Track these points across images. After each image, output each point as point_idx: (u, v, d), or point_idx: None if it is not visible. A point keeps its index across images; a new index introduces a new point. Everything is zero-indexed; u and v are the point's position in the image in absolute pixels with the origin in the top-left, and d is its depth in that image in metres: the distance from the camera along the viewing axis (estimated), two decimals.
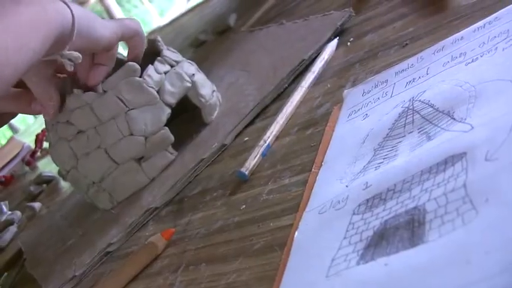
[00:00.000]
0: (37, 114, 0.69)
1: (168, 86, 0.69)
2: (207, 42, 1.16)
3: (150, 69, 0.69)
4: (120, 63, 0.74)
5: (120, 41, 0.67)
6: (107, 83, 0.68)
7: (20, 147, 1.63)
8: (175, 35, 1.50)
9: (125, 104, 0.68)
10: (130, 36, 0.68)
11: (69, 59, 0.59)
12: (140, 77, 0.68)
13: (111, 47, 0.66)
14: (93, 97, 0.67)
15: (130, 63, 0.68)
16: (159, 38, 0.75)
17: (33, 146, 1.54)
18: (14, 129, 3.59)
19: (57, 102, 0.67)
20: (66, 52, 0.58)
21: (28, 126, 2.32)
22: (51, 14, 0.55)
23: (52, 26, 0.55)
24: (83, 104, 0.68)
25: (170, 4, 5.24)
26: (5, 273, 0.83)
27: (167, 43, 0.77)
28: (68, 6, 0.58)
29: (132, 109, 0.68)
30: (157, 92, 0.69)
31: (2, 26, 0.50)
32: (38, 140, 1.51)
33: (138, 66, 0.68)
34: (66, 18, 0.57)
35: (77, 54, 0.59)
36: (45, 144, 1.45)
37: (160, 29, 1.92)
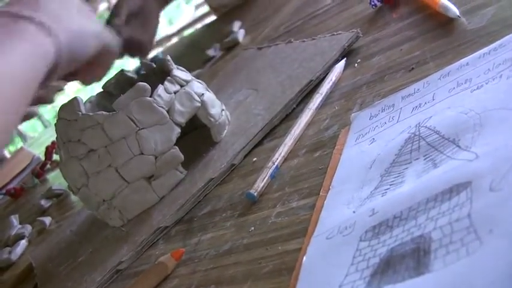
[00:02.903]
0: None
1: (177, 106, 0.70)
2: (215, 57, 1.17)
3: (160, 89, 0.70)
4: (130, 82, 0.75)
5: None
6: (118, 103, 0.69)
7: (29, 158, 1.64)
8: (185, 48, 1.51)
9: (135, 123, 0.69)
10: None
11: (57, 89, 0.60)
12: (150, 96, 0.69)
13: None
14: (104, 117, 0.69)
15: (140, 83, 0.69)
16: (169, 58, 0.76)
17: (42, 157, 1.55)
18: (23, 138, 3.61)
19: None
20: (54, 85, 0.59)
21: (38, 136, 2.33)
22: (35, 58, 0.55)
23: (41, 58, 0.56)
24: (94, 123, 0.69)
25: (179, 13, 5.27)
26: None
27: (176, 56, 0.78)
28: (57, 37, 0.57)
29: (142, 128, 0.69)
30: (167, 111, 0.70)
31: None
32: (48, 152, 1.52)
33: (148, 86, 0.69)
34: (49, 53, 0.57)
35: (63, 84, 0.60)
36: (55, 157, 1.46)
37: (168, 38, 1.93)
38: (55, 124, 0.75)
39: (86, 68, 0.67)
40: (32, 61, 0.54)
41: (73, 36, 0.61)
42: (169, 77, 0.72)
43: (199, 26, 1.78)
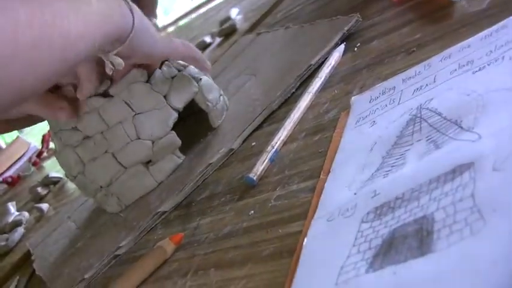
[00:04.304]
0: (61, 120, 0.70)
1: (175, 91, 0.70)
2: (212, 44, 1.17)
3: (158, 73, 0.70)
4: None
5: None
6: (115, 87, 0.68)
7: (26, 147, 1.64)
8: (180, 37, 1.51)
9: (132, 108, 0.68)
10: (177, 59, 0.69)
11: (111, 63, 0.60)
12: (147, 81, 0.69)
13: (153, 64, 0.68)
14: (101, 102, 0.68)
15: (137, 68, 0.69)
16: None
17: (39, 146, 1.54)
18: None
19: (92, 88, 0.68)
20: (113, 55, 0.59)
21: (34, 126, 2.32)
22: (116, 16, 0.57)
23: (114, 26, 0.57)
24: (91, 108, 0.68)
25: (174, 2, 5.24)
26: (17, 277, 0.83)
27: None
28: (132, 15, 0.59)
29: (139, 113, 0.68)
30: (164, 96, 0.69)
31: (73, 9, 0.51)
32: (45, 140, 1.52)
33: (145, 71, 0.69)
34: (127, 24, 0.59)
35: (120, 60, 0.60)
36: (52, 145, 1.46)
37: (164, 29, 1.92)
38: None
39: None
40: (113, 13, 0.57)
41: (142, 29, 0.61)
42: (166, 62, 0.71)
43: (194, 15, 1.77)
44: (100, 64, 0.66)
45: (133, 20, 0.59)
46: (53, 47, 0.49)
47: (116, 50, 0.59)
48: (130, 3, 0.60)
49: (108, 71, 0.61)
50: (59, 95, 0.68)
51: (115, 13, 0.57)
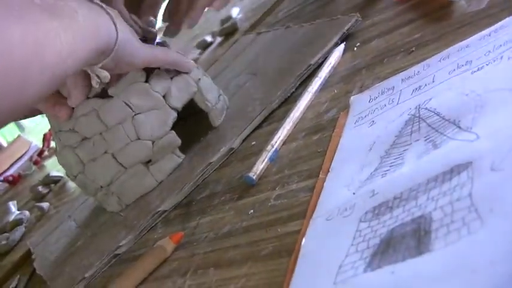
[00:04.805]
0: (60, 117, 0.70)
1: (174, 91, 0.70)
2: (213, 43, 1.17)
3: (157, 73, 0.70)
4: None
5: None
6: (114, 88, 0.68)
7: (27, 146, 1.64)
8: (180, 36, 1.51)
9: (131, 108, 0.68)
10: (157, 65, 0.70)
11: (97, 76, 0.61)
12: (146, 81, 0.69)
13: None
14: (99, 103, 0.68)
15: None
16: (167, 43, 0.75)
17: (40, 145, 1.55)
18: (20, 127, 3.61)
19: (82, 95, 0.68)
20: (98, 69, 0.60)
21: (35, 124, 2.33)
22: (102, 30, 0.58)
23: (100, 40, 0.57)
24: (90, 109, 0.68)
25: None
26: (18, 276, 0.83)
27: (173, 43, 0.78)
28: (116, 29, 0.59)
29: (138, 113, 0.68)
30: (164, 96, 0.69)
31: (63, 27, 0.51)
32: (46, 139, 1.52)
33: (144, 72, 0.69)
34: (112, 38, 0.59)
35: (106, 73, 0.62)
36: (53, 144, 1.46)
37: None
38: (47, 114, 0.74)
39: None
40: (99, 30, 0.57)
41: (126, 40, 0.62)
42: None
43: None
44: (85, 72, 0.67)
45: (117, 32, 0.60)
46: (45, 65, 0.49)
47: (101, 63, 0.60)
48: (112, 14, 0.60)
49: (95, 84, 0.62)
50: (58, 92, 0.68)
51: (100, 27, 0.57)
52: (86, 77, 0.66)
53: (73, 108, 0.69)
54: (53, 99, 0.68)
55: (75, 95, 0.67)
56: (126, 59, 0.63)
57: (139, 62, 0.66)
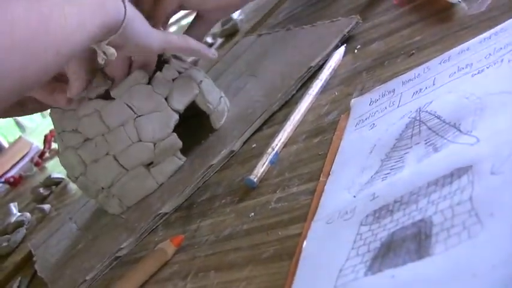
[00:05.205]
0: (60, 104, 0.70)
1: (176, 93, 0.70)
2: (214, 45, 1.17)
3: (159, 76, 0.70)
4: None
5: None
6: (116, 90, 0.68)
7: (28, 147, 1.64)
8: None
9: (133, 110, 0.68)
10: (173, 52, 0.69)
11: (104, 52, 0.60)
12: (148, 83, 0.69)
13: (149, 61, 0.68)
14: (101, 104, 0.68)
15: (138, 70, 0.69)
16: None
17: (41, 146, 1.54)
18: (21, 128, 3.61)
19: (82, 86, 0.67)
20: (104, 45, 0.59)
21: (36, 125, 2.33)
22: (109, 5, 0.56)
23: (107, 15, 0.56)
24: (92, 111, 0.68)
25: None
26: (19, 278, 0.84)
27: None
28: (124, 6, 0.58)
29: (140, 115, 0.69)
30: (166, 98, 0.70)
31: (68, 1, 0.51)
32: (47, 140, 1.52)
33: (146, 73, 0.69)
34: (119, 13, 0.58)
35: (112, 50, 0.59)
36: (54, 145, 1.46)
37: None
38: (50, 114, 0.74)
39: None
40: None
41: (136, 19, 0.61)
42: (167, 64, 0.72)
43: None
44: (88, 61, 0.67)
45: (125, 8, 0.58)
46: (50, 40, 0.49)
47: (108, 40, 0.59)
48: None
49: (100, 60, 0.60)
50: (57, 79, 0.68)
51: (107, 2, 0.56)
52: (86, 67, 0.65)
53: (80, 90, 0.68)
54: (50, 87, 0.68)
55: (76, 85, 0.67)
56: (136, 39, 0.61)
57: (155, 46, 0.64)
